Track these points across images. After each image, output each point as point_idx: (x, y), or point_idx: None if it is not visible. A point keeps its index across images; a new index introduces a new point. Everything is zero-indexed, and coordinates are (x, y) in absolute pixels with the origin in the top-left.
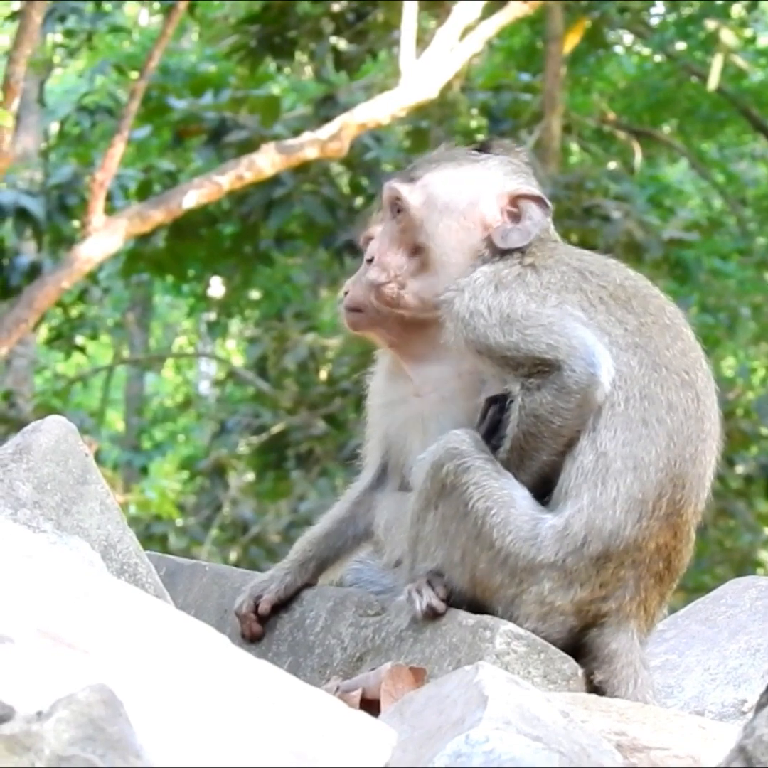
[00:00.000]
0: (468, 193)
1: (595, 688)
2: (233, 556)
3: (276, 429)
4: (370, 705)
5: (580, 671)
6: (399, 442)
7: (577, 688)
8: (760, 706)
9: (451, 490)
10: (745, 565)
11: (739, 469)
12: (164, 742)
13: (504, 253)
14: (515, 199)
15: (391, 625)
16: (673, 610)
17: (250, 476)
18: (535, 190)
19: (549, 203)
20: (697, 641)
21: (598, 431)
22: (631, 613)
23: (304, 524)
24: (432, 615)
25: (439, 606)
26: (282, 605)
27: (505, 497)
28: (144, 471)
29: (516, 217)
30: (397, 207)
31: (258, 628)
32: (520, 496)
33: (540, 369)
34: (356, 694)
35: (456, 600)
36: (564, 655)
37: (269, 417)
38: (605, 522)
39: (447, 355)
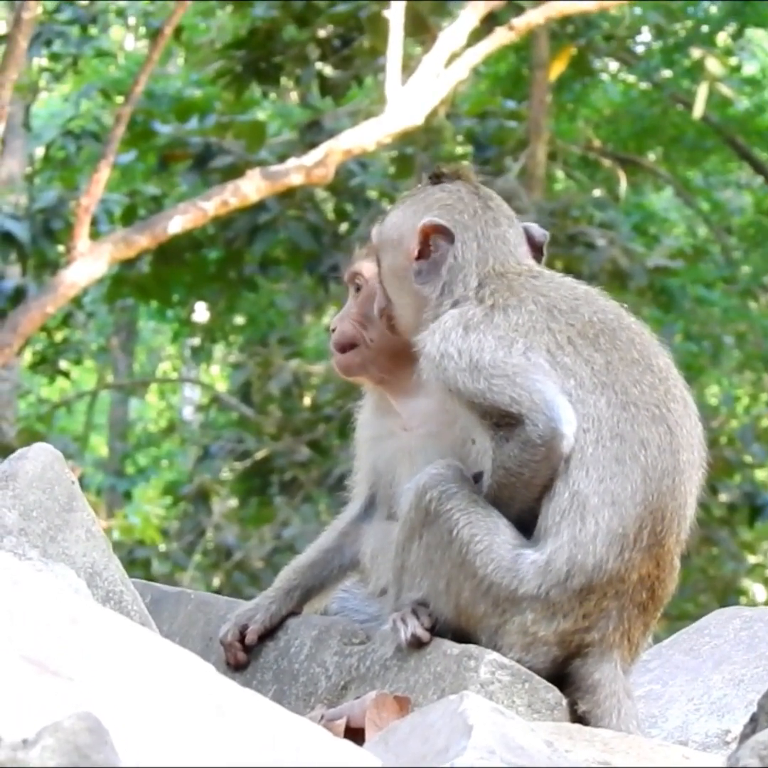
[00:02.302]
0: (397, 234)
1: (579, 718)
2: (216, 581)
3: (260, 455)
4: (355, 733)
5: (565, 701)
6: (387, 475)
7: (561, 718)
8: (744, 737)
9: (435, 517)
10: (729, 594)
11: (723, 497)
12: None
13: (464, 293)
14: (424, 233)
15: (375, 654)
16: (657, 640)
17: (234, 502)
18: (437, 219)
19: (453, 232)
20: (681, 671)
21: (571, 472)
22: (614, 643)
23: (287, 550)
24: (416, 644)
25: (424, 635)
26: (267, 634)
27: (490, 524)
28: (127, 496)
29: (427, 251)
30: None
31: (243, 657)
32: (504, 524)
33: (507, 421)
34: (341, 723)
35: (441, 629)
36: (548, 684)
37: (253, 443)
38: (587, 557)
39: (433, 390)
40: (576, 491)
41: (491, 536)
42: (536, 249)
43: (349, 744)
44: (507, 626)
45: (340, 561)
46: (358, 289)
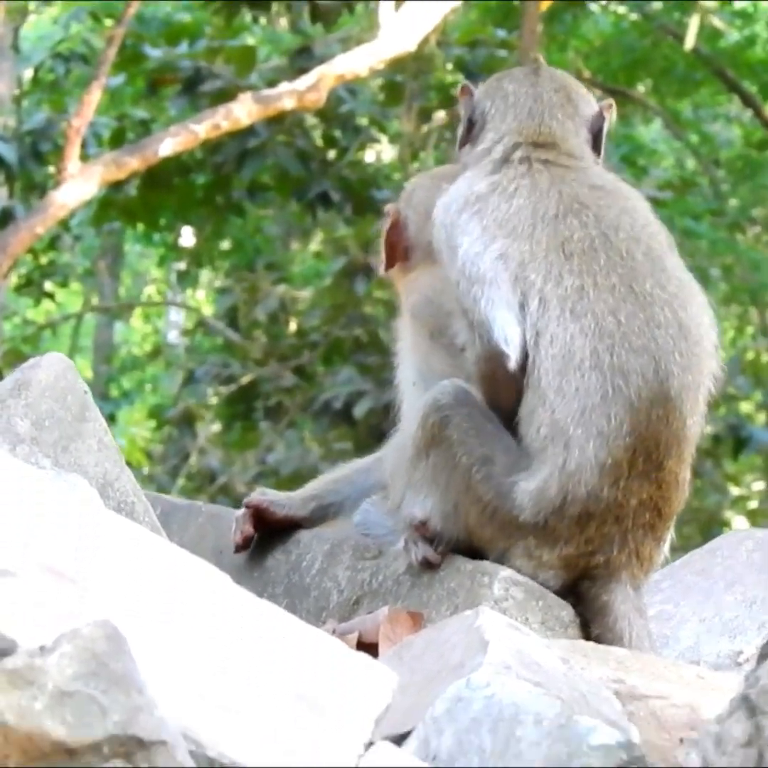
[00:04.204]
0: None
1: (592, 639)
2: None
3: (245, 380)
4: (368, 648)
5: (578, 619)
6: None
7: (574, 636)
8: (762, 656)
9: (439, 441)
10: (713, 525)
11: (708, 429)
12: (167, 679)
13: (487, 151)
14: (459, 96)
15: (388, 569)
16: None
17: (218, 426)
18: (464, 82)
19: (472, 89)
20: (693, 592)
21: (547, 397)
22: (621, 564)
23: (271, 475)
24: (427, 566)
25: (435, 558)
26: (276, 537)
27: (487, 452)
28: (112, 419)
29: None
30: None
31: (249, 529)
32: (501, 449)
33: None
34: (353, 637)
35: (453, 547)
36: (562, 602)
37: (238, 368)
38: (579, 487)
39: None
40: (556, 420)
41: (488, 466)
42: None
43: (365, 657)
44: (513, 549)
45: (363, 482)
46: None
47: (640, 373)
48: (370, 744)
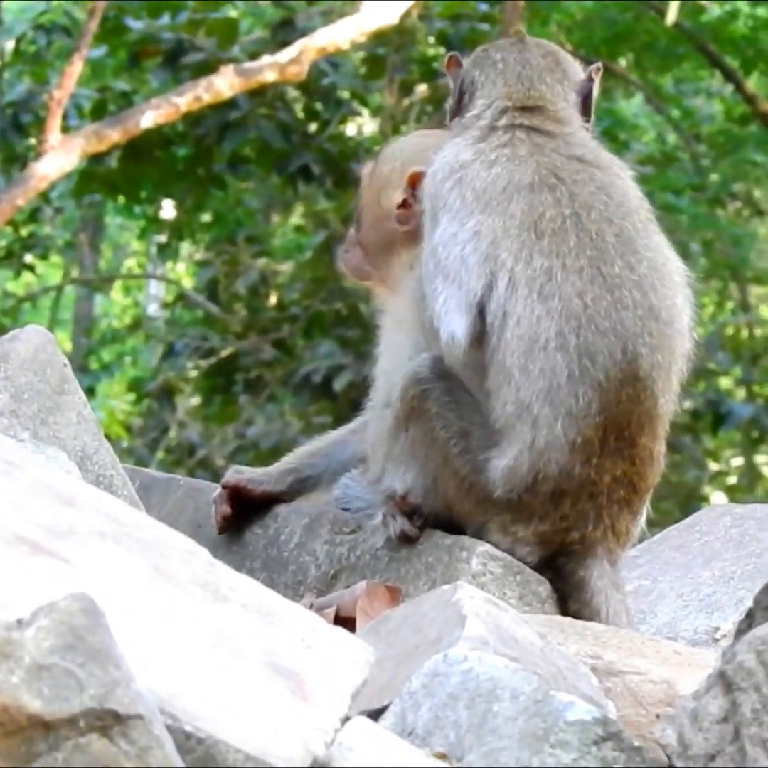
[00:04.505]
0: None
1: (570, 614)
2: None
3: (225, 353)
4: (345, 623)
5: (555, 595)
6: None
7: (551, 611)
8: (740, 633)
9: (418, 415)
10: (692, 501)
11: (687, 404)
12: (144, 653)
13: (475, 118)
14: (446, 69)
15: (366, 544)
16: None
17: (198, 400)
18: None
19: (459, 58)
20: (671, 568)
21: (513, 376)
22: (597, 539)
23: (251, 449)
24: (405, 540)
25: (413, 532)
26: (254, 512)
27: (463, 426)
28: (91, 391)
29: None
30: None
31: (227, 509)
32: (477, 426)
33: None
34: (330, 611)
35: (431, 522)
36: (540, 577)
37: (218, 341)
38: (550, 465)
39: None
40: (520, 398)
41: (466, 440)
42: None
43: (342, 631)
44: (490, 525)
45: (341, 455)
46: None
47: (608, 354)
48: (347, 719)
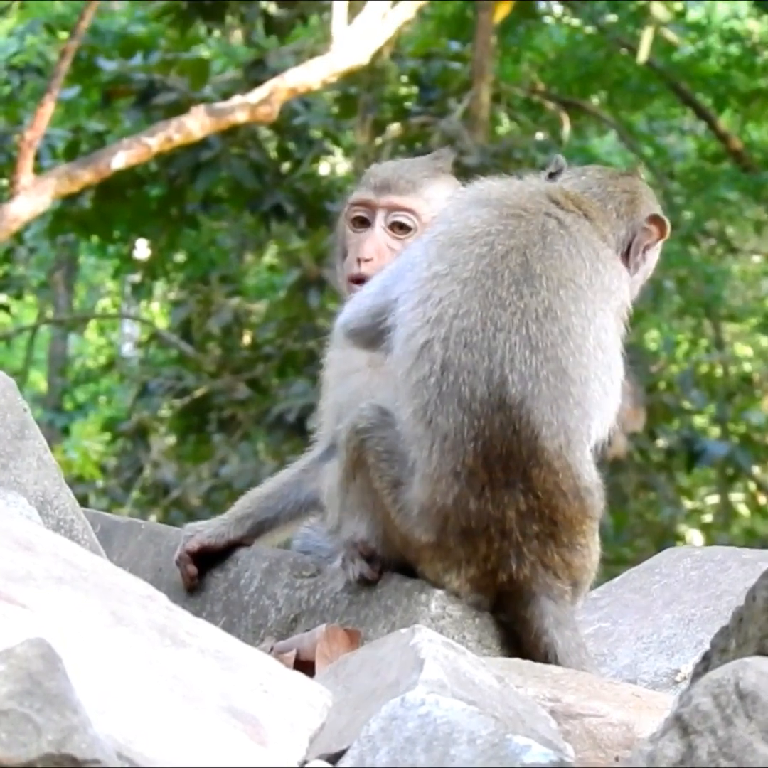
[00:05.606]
0: None
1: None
2: (154, 518)
3: (199, 392)
4: (305, 666)
5: (513, 637)
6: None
7: (511, 654)
8: (696, 675)
9: (360, 465)
10: (666, 539)
11: (661, 442)
12: (101, 698)
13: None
14: None
15: (326, 587)
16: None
17: (172, 439)
18: None
19: None
20: (631, 610)
21: (400, 395)
22: (528, 578)
23: (224, 488)
24: (365, 583)
25: (372, 575)
26: (216, 558)
27: (395, 476)
28: (65, 431)
29: None
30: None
31: (193, 569)
32: (407, 475)
33: None
34: (290, 655)
35: (391, 566)
36: (498, 619)
37: (192, 380)
38: (447, 498)
39: None
40: (406, 418)
41: (398, 489)
42: None
43: (300, 675)
44: (427, 575)
45: (296, 496)
46: (401, 227)
47: (474, 372)
48: (305, 763)
